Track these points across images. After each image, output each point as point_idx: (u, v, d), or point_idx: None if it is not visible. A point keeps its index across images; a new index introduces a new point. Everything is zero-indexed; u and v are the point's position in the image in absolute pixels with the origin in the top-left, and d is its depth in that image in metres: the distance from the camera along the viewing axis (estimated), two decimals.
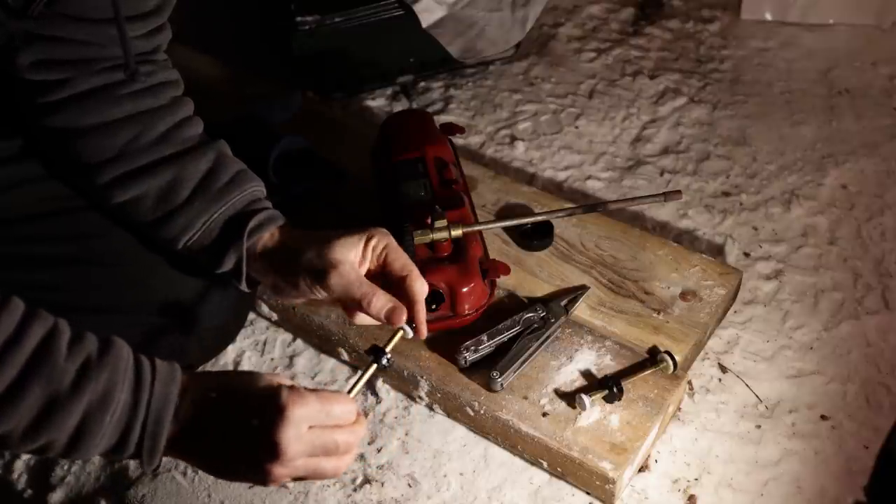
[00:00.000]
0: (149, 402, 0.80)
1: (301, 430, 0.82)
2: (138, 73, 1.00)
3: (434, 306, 1.15)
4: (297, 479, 0.85)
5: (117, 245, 1.09)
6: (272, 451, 0.81)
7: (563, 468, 1.11)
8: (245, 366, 1.29)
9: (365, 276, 1.00)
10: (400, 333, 0.99)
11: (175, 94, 1.07)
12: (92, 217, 1.08)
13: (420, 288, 0.98)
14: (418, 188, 1.26)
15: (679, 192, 1.25)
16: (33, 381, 0.76)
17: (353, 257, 0.98)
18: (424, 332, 0.99)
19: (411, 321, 1.00)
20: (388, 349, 0.96)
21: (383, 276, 1.00)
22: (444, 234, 1.16)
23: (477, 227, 1.22)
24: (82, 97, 1.00)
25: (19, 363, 0.76)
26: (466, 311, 1.18)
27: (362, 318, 1.00)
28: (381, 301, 0.96)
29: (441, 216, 1.16)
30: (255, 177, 1.07)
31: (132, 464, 1.18)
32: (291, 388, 0.83)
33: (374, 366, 0.95)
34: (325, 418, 0.84)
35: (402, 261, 0.99)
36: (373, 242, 1.00)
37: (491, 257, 1.27)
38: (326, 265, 0.97)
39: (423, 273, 1.14)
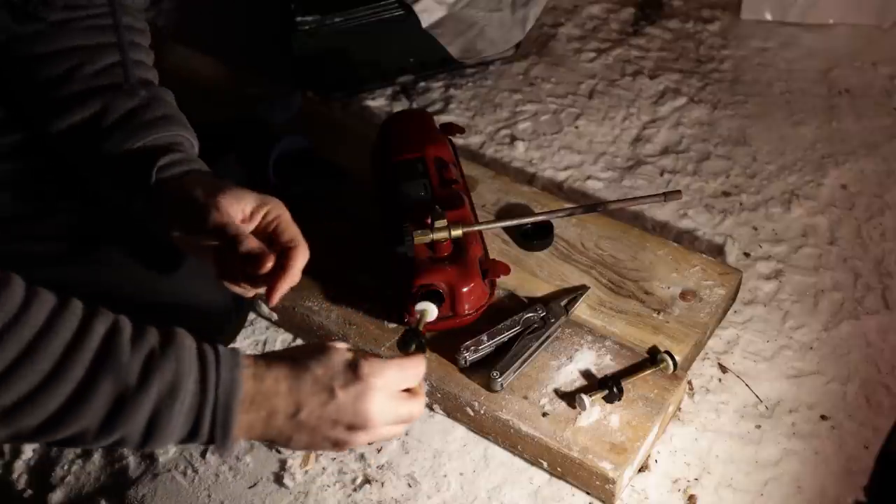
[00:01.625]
0: (216, 388, 0.81)
1: (385, 398, 0.86)
2: (137, 90, 1.03)
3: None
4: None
5: (114, 245, 1.09)
6: (361, 420, 0.85)
7: (563, 468, 1.11)
8: None
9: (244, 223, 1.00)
10: (426, 317, 1.12)
11: (141, 41, 1.09)
12: (90, 217, 1.08)
13: (299, 256, 0.96)
14: (418, 188, 1.26)
15: (679, 192, 1.25)
16: (102, 379, 0.77)
17: (237, 210, 0.97)
18: (275, 301, 0.96)
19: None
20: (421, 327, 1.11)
21: (268, 245, 0.98)
22: (444, 234, 1.16)
23: (477, 227, 1.22)
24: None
25: (86, 361, 0.76)
26: (466, 311, 1.18)
27: (230, 283, 1.00)
28: (254, 243, 0.94)
29: (441, 216, 1.16)
30: (188, 127, 1.06)
31: (132, 463, 1.18)
32: (365, 355, 0.88)
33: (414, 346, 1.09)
34: (402, 383, 0.89)
35: (291, 233, 0.98)
36: (266, 209, 0.99)
37: (491, 257, 1.27)
38: (211, 203, 0.96)
39: (424, 273, 1.15)
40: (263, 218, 0.99)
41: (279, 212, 0.99)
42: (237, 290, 1.01)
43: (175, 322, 1.12)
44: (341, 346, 0.89)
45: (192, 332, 1.12)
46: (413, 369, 0.90)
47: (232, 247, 0.94)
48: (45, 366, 0.75)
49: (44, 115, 1.03)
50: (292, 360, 0.87)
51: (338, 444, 0.88)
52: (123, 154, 1.01)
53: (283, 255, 0.96)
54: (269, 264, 0.94)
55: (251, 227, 0.99)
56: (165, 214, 1.00)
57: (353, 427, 0.86)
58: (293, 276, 0.96)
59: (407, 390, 0.90)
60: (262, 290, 0.97)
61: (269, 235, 0.98)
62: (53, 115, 1.02)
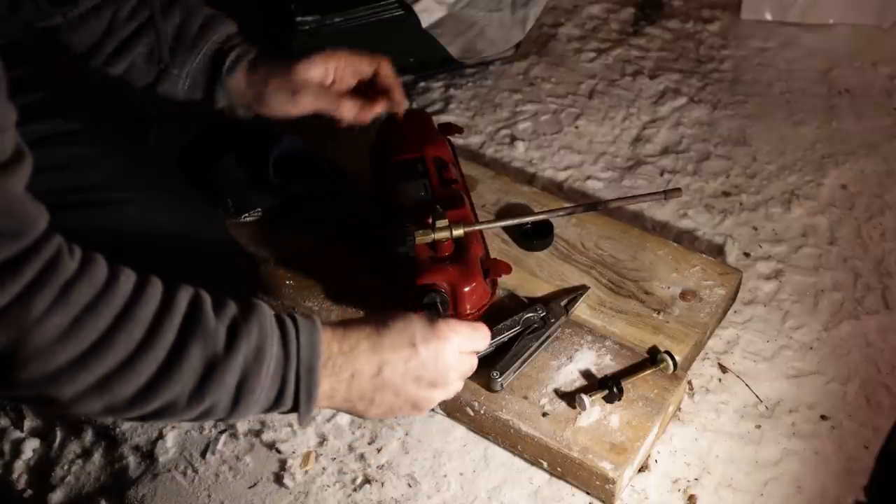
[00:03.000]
0: (298, 352, 0.82)
1: (458, 355, 0.91)
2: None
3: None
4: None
5: (118, 241, 1.09)
6: (442, 375, 0.89)
7: (563, 468, 1.11)
8: None
9: (335, 84, 1.17)
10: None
11: None
12: (94, 213, 1.08)
13: (389, 69, 1.18)
14: (418, 188, 1.26)
15: (679, 189, 1.25)
16: (192, 344, 0.77)
17: (317, 76, 1.13)
18: (405, 104, 1.20)
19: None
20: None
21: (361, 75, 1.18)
22: (445, 234, 1.16)
23: (477, 227, 1.22)
24: None
25: (175, 327, 0.77)
26: (468, 311, 1.17)
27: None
28: (349, 105, 1.13)
29: (442, 216, 1.16)
30: (223, 20, 1.19)
31: (132, 463, 1.18)
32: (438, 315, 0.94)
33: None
34: (473, 344, 0.93)
35: (368, 58, 1.14)
36: (333, 60, 1.15)
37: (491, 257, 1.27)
38: (295, 87, 1.12)
39: (425, 273, 1.15)
40: (336, 69, 1.15)
41: (341, 54, 1.16)
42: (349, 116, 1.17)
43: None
44: (406, 313, 0.92)
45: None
46: (483, 332, 0.95)
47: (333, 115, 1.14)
48: (137, 333, 0.75)
49: (98, 65, 1.13)
50: (370, 321, 0.89)
51: (416, 406, 0.90)
52: (188, 74, 1.15)
53: (378, 74, 1.17)
54: (377, 108, 1.15)
55: (329, 80, 1.16)
56: (245, 105, 1.17)
57: (433, 383, 0.89)
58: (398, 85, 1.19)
59: None
60: (378, 109, 1.17)
61: (352, 74, 1.18)
62: (110, 61, 1.12)
